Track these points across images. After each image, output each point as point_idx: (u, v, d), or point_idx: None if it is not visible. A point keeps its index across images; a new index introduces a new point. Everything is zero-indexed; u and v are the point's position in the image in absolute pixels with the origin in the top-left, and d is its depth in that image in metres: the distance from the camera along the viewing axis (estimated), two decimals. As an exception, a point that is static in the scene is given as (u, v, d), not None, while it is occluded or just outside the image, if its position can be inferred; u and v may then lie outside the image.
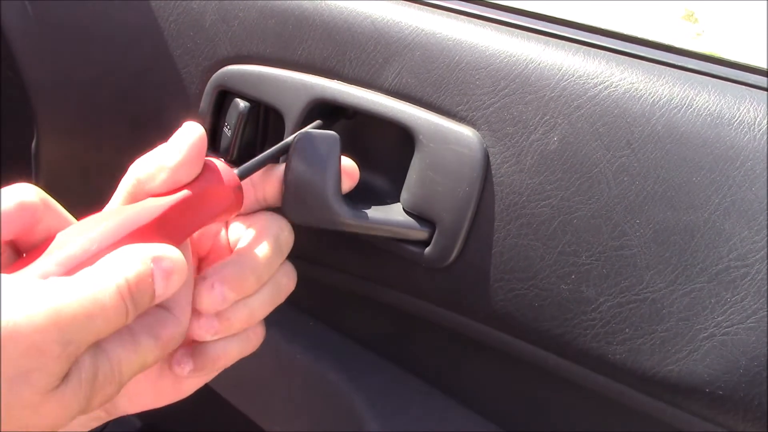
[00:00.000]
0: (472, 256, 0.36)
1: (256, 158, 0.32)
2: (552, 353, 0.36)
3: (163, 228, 0.27)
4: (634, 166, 0.32)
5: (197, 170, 0.29)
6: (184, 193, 0.28)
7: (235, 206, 0.30)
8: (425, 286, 0.39)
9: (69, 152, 0.53)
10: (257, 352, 0.34)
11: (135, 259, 0.25)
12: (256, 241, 0.31)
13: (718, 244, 0.31)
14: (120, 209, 0.28)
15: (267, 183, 0.34)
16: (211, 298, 0.29)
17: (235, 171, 0.31)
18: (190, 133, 0.29)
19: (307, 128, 0.36)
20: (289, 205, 0.33)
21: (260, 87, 0.40)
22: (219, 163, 0.30)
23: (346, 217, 0.34)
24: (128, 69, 0.46)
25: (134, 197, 0.29)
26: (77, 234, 0.26)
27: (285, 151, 0.33)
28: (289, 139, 0.34)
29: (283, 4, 0.40)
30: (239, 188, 0.30)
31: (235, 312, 0.30)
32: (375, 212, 0.36)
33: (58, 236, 0.26)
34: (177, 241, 0.28)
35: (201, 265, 0.34)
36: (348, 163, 0.34)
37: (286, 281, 0.33)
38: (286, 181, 0.33)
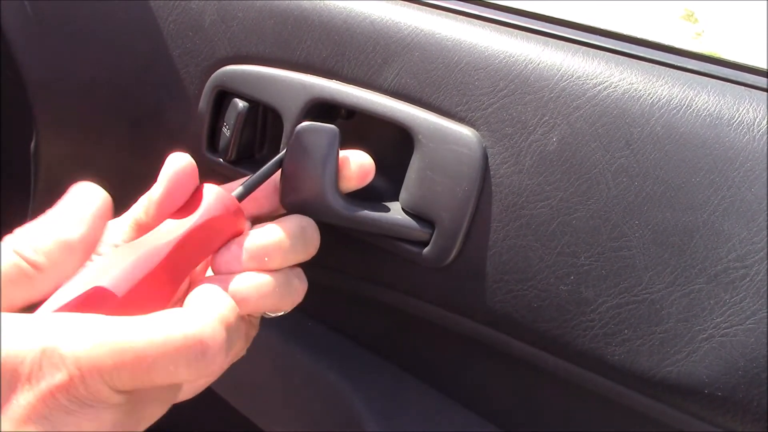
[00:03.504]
0: (471, 256, 0.36)
1: (253, 177, 0.32)
2: (551, 354, 0.36)
3: (170, 267, 0.27)
4: (633, 167, 0.32)
5: (181, 199, 0.29)
6: (184, 229, 0.28)
7: (237, 230, 0.30)
8: (424, 286, 0.39)
9: (68, 152, 0.53)
10: (256, 352, 0.34)
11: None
12: (287, 221, 0.31)
13: (717, 245, 0.31)
14: (122, 252, 0.27)
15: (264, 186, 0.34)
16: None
17: (234, 194, 0.31)
18: (171, 165, 0.29)
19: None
20: (285, 195, 0.34)
21: (259, 87, 0.40)
22: (216, 190, 0.30)
23: (341, 211, 0.34)
24: (127, 69, 0.46)
25: (137, 232, 0.30)
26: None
27: (281, 164, 0.33)
28: (281, 153, 0.34)
29: (282, 4, 0.40)
30: (239, 212, 0.30)
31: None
32: (372, 209, 0.36)
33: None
34: (184, 274, 0.28)
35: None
36: (364, 160, 0.34)
37: (298, 283, 0.32)
38: (284, 171, 0.33)
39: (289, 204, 0.34)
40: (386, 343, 0.47)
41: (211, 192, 0.29)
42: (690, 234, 0.31)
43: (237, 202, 0.30)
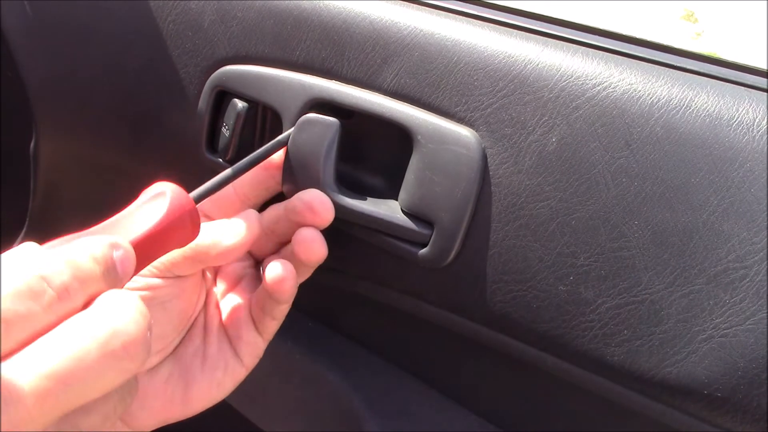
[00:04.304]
0: (470, 256, 0.36)
1: (214, 179, 0.32)
2: (550, 355, 0.36)
3: None
4: (633, 167, 0.32)
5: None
6: (142, 233, 0.26)
7: (192, 233, 0.29)
8: (423, 286, 0.39)
9: (68, 152, 0.53)
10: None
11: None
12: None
13: (716, 246, 0.31)
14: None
15: (265, 170, 0.36)
16: None
17: (192, 195, 0.29)
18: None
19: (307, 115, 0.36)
20: (287, 185, 0.35)
21: (258, 87, 0.40)
22: (174, 189, 0.28)
23: (339, 202, 0.34)
24: (127, 69, 0.46)
25: None
26: None
27: (247, 168, 0.33)
28: (259, 150, 0.34)
29: (281, 4, 0.40)
30: (194, 213, 0.28)
31: None
32: (371, 204, 0.36)
33: None
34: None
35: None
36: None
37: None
38: (286, 162, 0.34)
39: (289, 192, 0.34)
40: (386, 343, 0.47)
41: (172, 192, 0.28)
42: (689, 234, 0.31)
43: (192, 202, 0.28)
